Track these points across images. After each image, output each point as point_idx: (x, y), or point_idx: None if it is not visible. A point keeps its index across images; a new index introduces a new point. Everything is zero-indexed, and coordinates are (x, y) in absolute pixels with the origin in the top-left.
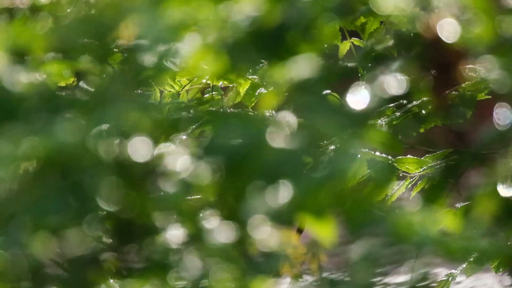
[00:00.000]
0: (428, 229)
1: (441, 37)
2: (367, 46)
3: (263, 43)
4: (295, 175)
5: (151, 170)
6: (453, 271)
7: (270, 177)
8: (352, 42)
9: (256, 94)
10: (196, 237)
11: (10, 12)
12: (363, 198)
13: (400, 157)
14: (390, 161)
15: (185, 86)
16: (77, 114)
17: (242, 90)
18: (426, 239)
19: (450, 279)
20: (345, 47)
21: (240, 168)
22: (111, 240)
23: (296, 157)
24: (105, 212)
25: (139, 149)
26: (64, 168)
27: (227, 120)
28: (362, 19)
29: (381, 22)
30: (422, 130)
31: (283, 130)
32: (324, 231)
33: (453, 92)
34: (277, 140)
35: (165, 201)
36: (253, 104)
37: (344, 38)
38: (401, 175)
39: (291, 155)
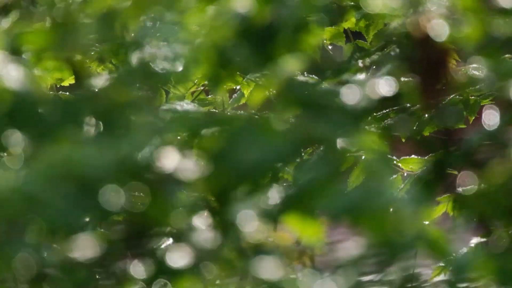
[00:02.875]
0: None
1: (431, 36)
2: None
3: (254, 43)
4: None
5: (165, 177)
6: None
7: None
8: (356, 44)
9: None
10: (186, 235)
11: (10, 9)
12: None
13: (405, 157)
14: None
15: (190, 88)
16: (95, 122)
17: (247, 92)
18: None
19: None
20: (349, 49)
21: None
22: (122, 245)
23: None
24: (117, 217)
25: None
26: (78, 177)
27: (241, 127)
28: (364, 21)
29: (385, 24)
30: (418, 137)
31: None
32: (313, 233)
33: (451, 95)
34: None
35: (177, 204)
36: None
37: (348, 39)
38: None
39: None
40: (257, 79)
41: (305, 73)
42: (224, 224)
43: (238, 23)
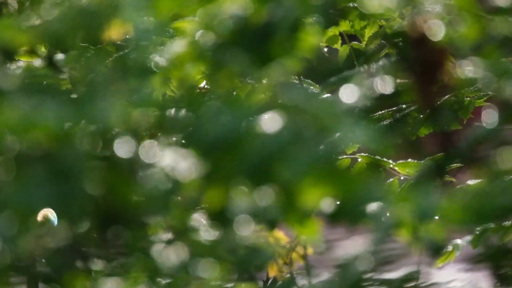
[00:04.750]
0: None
1: (427, 36)
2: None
3: (249, 43)
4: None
5: (136, 163)
6: (458, 241)
7: (258, 166)
8: (351, 46)
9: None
10: (182, 233)
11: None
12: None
13: (402, 161)
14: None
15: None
16: (65, 103)
17: (243, 94)
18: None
19: (455, 249)
20: (344, 51)
21: (226, 157)
22: (95, 231)
23: (287, 143)
24: (90, 202)
25: (125, 144)
26: (48, 155)
27: (211, 105)
28: (361, 23)
29: (380, 26)
30: (413, 138)
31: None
32: (310, 232)
33: (446, 96)
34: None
35: (150, 192)
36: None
37: (344, 42)
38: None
39: (281, 140)
40: (252, 81)
41: (301, 77)
42: (220, 223)
43: (233, 23)
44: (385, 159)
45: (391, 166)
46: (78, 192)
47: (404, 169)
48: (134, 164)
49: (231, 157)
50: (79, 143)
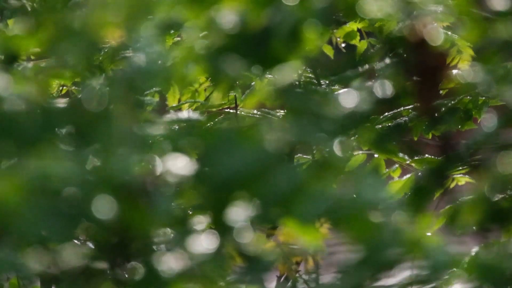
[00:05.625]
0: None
1: (427, 40)
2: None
3: (248, 48)
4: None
5: (145, 185)
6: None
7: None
8: (369, 42)
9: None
10: (182, 242)
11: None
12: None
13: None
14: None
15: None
16: (73, 133)
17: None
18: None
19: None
20: (362, 46)
21: (239, 194)
22: (104, 255)
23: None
24: (98, 227)
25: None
26: (56, 190)
27: (220, 138)
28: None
29: (380, 31)
30: (415, 138)
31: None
32: (312, 236)
33: (447, 100)
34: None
35: (160, 214)
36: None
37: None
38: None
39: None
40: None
41: (317, 72)
42: (220, 230)
43: (232, 27)
44: (400, 155)
45: (407, 162)
46: (89, 218)
47: (421, 165)
48: (145, 187)
49: (242, 194)
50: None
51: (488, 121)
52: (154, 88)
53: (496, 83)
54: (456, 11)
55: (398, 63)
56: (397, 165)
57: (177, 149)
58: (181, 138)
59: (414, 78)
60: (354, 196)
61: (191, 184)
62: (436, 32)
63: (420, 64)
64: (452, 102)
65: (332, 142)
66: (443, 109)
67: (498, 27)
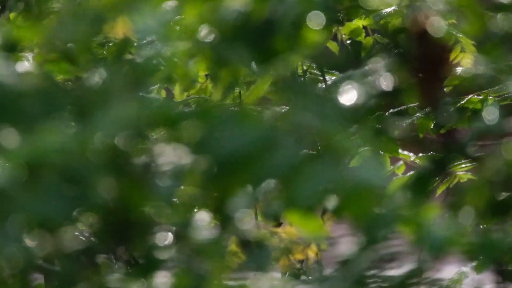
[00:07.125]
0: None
1: (429, 32)
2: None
3: (251, 39)
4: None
5: (145, 165)
6: (463, 268)
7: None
8: (375, 39)
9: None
10: (185, 231)
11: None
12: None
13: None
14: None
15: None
16: (74, 113)
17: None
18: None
19: (461, 277)
20: (368, 42)
21: (238, 173)
22: (105, 236)
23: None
24: (100, 207)
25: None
26: (57, 168)
27: (220, 118)
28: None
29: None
30: (421, 134)
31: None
32: (314, 228)
33: (453, 100)
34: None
35: (159, 195)
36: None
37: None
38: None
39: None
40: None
41: (323, 67)
42: (223, 220)
43: (235, 19)
44: (405, 152)
45: (412, 159)
46: (90, 198)
47: (425, 162)
48: (145, 169)
49: (243, 173)
50: (89, 152)
51: (490, 112)
52: (157, 85)
53: (499, 75)
54: (457, 4)
55: (401, 56)
56: (401, 162)
57: (177, 136)
58: (183, 119)
59: (417, 70)
60: (354, 175)
61: (192, 168)
62: (439, 24)
63: (422, 55)
64: (461, 102)
65: (335, 130)
66: (452, 108)
67: (499, 20)
